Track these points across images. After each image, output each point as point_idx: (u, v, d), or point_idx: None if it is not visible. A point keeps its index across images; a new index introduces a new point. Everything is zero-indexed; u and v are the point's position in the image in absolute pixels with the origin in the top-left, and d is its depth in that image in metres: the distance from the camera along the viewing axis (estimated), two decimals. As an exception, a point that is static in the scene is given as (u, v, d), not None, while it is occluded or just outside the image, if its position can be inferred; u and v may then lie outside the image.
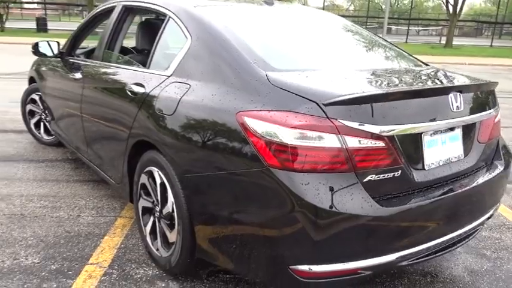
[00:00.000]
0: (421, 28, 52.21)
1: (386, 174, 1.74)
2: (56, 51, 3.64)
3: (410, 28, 48.62)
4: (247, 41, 2.14)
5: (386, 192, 1.76)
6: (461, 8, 24.88)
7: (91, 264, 2.44)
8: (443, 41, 26.76)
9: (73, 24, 33.58)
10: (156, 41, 2.55)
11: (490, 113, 2.20)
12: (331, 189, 1.63)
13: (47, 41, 3.66)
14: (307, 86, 1.78)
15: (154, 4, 2.68)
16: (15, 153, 4.28)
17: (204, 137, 1.93)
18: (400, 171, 1.77)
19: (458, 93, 1.95)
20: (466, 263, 2.64)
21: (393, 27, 51.63)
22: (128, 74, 2.63)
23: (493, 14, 41.87)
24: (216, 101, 1.93)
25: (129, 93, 2.47)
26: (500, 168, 2.26)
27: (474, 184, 2.05)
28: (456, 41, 29.80)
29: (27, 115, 4.62)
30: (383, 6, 53.07)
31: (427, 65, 2.69)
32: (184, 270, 2.27)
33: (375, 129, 1.68)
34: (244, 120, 1.75)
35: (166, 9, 2.54)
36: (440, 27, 44.43)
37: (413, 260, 1.89)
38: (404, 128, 1.77)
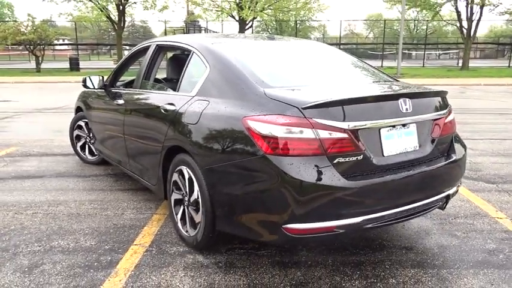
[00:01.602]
0: (441, 52, 52.70)
1: (351, 158, 2.39)
2: (100, 84, 4.46)
3: (431, 52, 49.08)
4: (250, 67, 2.86)
5: (351, 171, 2.40)
6: (475, 32, 25.36)
7: (135, 244, 3.13)
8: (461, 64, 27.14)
9: (102, 62, 35.68)
10: (183, 70, 3.31)
11: (439, 114, 2.83)
12: (308, 167, 2.29)
13: (89, 76, 4.50)
14: (291, 97, 2.48)
15: (181, 43, 3.47)
16: (66, 170, 5.08)
17: (219, 138, 2.63)
18: (362, 155, 2.42)
19: (407, 99, 2.60)
20: (438, 240, 3.20)
21: (413, 53, 52.36)
22: (161, 97, 3.39)
23: (513, 36, 42.00)
24: (227, 111, 2.64)
25: (162, 111, 3.21)
26: (452, 159, 2.86)
27: (427, 169, 2.67)
28: (475, 63, 30.22)
29: (75, 139, 5.45)
30: (403, 33, 54.09)
31: (396, 80, 3.35)
32: (207, 245, 2.93)
33: (341, 124, 2.35)
34: (247, 122, 2.45)
35: (190, 46, 3.31)
36: (458, 51, 44.74)
37: (376, 224, 2.50)
38: (363, 124, 2.42)
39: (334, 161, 2.35)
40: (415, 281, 2.64)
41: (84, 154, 5.39)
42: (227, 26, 31.30)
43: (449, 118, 2.95)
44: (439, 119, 2.84)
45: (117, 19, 24.91)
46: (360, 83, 3.15)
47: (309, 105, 2.34)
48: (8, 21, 33.92)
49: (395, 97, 2.60)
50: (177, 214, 3.17)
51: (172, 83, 3.65)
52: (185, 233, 3.06)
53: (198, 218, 2.87)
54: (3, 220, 3.59)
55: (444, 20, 31.91)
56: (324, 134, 2.33)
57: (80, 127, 5.36)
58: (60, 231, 3.37)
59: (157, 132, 3.29)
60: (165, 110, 3.19)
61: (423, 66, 30.65)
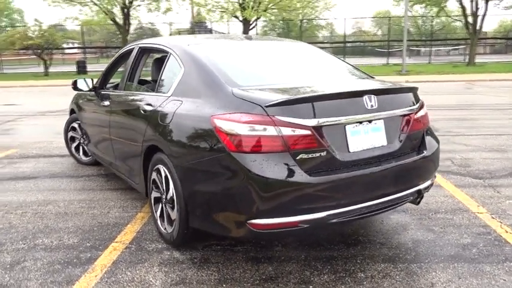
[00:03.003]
0: (450, 48, 52.17)
1: (314, 154, 2.44)
2: (90, 86, 4.56)
3: (440, 49, 48.54)
4: (222, 67, 2.92)
5: (315, 167, 2.45)
6: (481, 27, 25.10)
7: (116, 242, 3.21)
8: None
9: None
10: (160, 72, 3.39)
11: (408, 110, 2.86)
12: (271, 164, 2.35)
13: (83, 79, 4.60)
14: (256, 95, 2.54)
15: (160, 45, 3.55)
16: (60, 171, 5.20)
17: (190, 137, 2.70)
18: (325, 152, 2.47)
19: (372, 95, 2.64)
20: (414, 235, 3.24)
21: (422, 49, 51.89)
22: (141, 98, 3.47)
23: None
24: (197, 110, 2.71)
25: (141, 111, 3.29)
26: (423, 154, 2.89)
27: (395, 164, 2.71)
28: (484, 59, 29.86)
29: (69, 141, 5.56)
30: (411, 30, 53.51)
31: (371, 77, 3.39)
32: (183, 242, 2.99)
33: (303, 121, 2.40)
34: (214, 121, 2.51)
35: (168, 47, 3.39)
36: (465, 46, 44.25)
37: (342, 219, 2.54)
38: (326, 120, 2.47)
39: (297, 158, 2.40)
40: (384, 275, 2.68)
41: (79, 155, 5.50)
42: (233, 27, 31.40)
43: (420, 114, 2.98)
44: (409, 114, 2.88)
45: (122, 22, 25.15)
46: (331, 81, 3.18)
47: (271, 103, 2.40)
48: (18, 26, 34.39)
49: (360, 94, 2.64)
50: (156, 212, 3.24)
51: (153, 84, 3.73)
52: (163, 230, 3.14)
53: (174, 215, 2.94)
54: (-7, 220, 3.71)
55: (449, 16, 31.59)
56: (286, 131, 2.38)
57: (73, 129, 5.47)
58: (45, 230, 3.46)
59: (137, 132, 3.37)
60: (144, 110, 3.27)
61: (429, 62, 30.42)
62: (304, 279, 2.65)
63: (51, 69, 26.26)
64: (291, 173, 2.36)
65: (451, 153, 5.68)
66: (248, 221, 2.42)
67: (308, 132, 2.41)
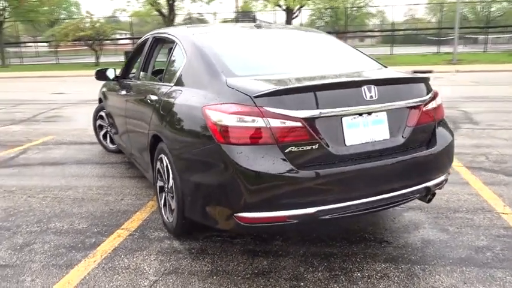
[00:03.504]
0: (510, 35, 48.90)
1: (305, 147, 2.33)
2: (112, 76, 4.65)
3: (499, 36, 45.57)
4: (222, 57, 2.87)
5: (305, 160, 2.35)
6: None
7: (122, 229, 3.27)
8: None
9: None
10: (167, 61, 3.38)
11: (416, 102, 2.67)
12: (258, 156, 2.28)
13: (106, 68, 4.69)
14: (248, 85, 2.46)
15: (169, 34, 3.54)
16: (87, 158, 5.38)
17: (185, 126, 2.68)
18: (317, 145, 2.36)
19: (372, 86, 2.48)
20: (425, 234, 3.05)
21: (479, 37, 48.91)
22: (149, 87, 3.49)
23: None
24: (193, 100, 2.67)
25: (148, 101, 3.31)
26: (432, 148, 2.70)
27: (398, 160, 2.55)
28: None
29: (97, 129, 5.74)
30: (469, 16, 50.62)
31: (384, 67, 3.20)
32: (182, 231, 2.99)
33: (294, 113, 2.30)
34: (205, 111, 2.47)
35: (175, 37, 3.37)
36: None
37: (335, 215, 2.43)
38: (319, 112, 2.35)
39: (286, 151, 2.31)
40: (381, 276, 2.55)
41: (106, 143, 5.66)
42: (278, 16, 31.04)
43: (431, 105, 2.78)
44: (417, 106, 2.69)
45: (167, 13, 25.61)
46: (335, 71, 3.00)
47: (260, 93, 2.32)
48: (74, 19, 35.89)
49: (358, 84, 2.49)
50: (160, 200, 3.26)
51: (162, 73, 3.74)
52: (166, 219, 3.15)
53: (173, 204, 2.95)
54: (16, 202, 3.89)
55: (509, 0, 29.51)
56: (275, 123, 2.30)
57: (101, 117, 5.62)
58: (60, 214, 3.59)
59: (145, 122, 3.39)
60: (150, 100, 3.29)
61: (484, 51, 28.71)
62: (296, 276, 2.57)
63: (102, 60, 27.25)
64: (278, 166, 2.28)
65: (488, 148, 5.32)
66: (235, 214, 2.37)
67: (298, 124, 2.32)
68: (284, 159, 2.30)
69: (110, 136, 5.55)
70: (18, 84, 16.89)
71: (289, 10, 24.02)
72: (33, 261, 2.82)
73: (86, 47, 27.93)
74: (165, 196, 3.17)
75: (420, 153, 2.65)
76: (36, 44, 42.02)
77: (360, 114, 2.49)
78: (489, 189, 3.90)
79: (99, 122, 5.69)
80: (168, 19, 25.86)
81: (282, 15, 26.90)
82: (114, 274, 2.63)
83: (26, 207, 3.78)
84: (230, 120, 2.32)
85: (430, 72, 16.33)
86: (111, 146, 5.60)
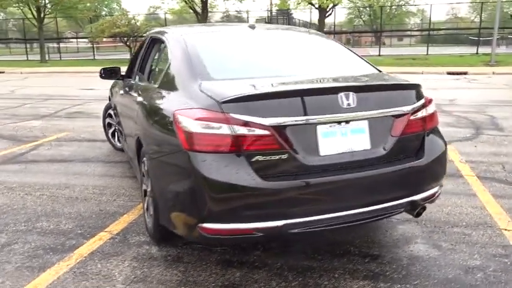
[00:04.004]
0: None
1: (273, 156, 2.21)
2: (117, 75, 4.64)
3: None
4: (204, 59, 2.77)
5: (273, 170, 2.22)
6: None
7: (105, 231, 3.24)
8: None
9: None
10: (156, 61, 3.32)
11: (403, 110, 2.48)
12: (220, 165, 2.17)
13: (112, 67, 4.68)
14: (218, 90, 2.35)
15: (160, 34, 3.48)
16: (94, 156, 5.42)
17: (159, 130, 2.61)
18: (287, 154, 2.22)
19: (350, 93, 2.32)
20: (415, 250, 2.86)
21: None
22: (139, 88, 3.44)
23: None
24: (168, 103, 2.60)
25: (135, 102, 3.26)
26: (420, 160, 2.51)
27: (379, 172, 2.37)
28: None
29: (106, 127, 5.78)
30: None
31: (379, 71, 3.01)
32: (161, 237, 2.92)
33: (261, 120, 2.18)
34: (175, 116, 2.38)
35: (164, 37, 3.30)
36: None
37: (305, 229, 2.28)
38: (289, 120, 2.21)
39: (252, 160, 2.19)
40: (356, 295, 2.39)
41: (114, 141, 5.69)
42: (314, 14, 30.52)
43: (420, 114, 2.58)
44: (403, 115, 2.50)
45: (201, 10, 25.79)
46: (319, 76, 2.82)
47: (227, 99, 2.21)
48: (114, 15, 36.72)
49: (334, 91, 2.33)
50: (144, 204, 3.21)
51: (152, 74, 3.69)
52: (148, 223, 3.10)
53: (151, 209, 2.88)
54: (12, 200, 3.95)
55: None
56: (241, 131, 2.18)
57: (110, 115, 5.66)
58: (50, 214, 3.61)
59: (133, 122, 3.35)
60: (136, 101, 3.24)
61: (528, 52, 27.26)
62: (266, 290, 2.45)
63: (136, 56, 27.73)
64: (241, 176, 2.16)
65: (507, 156, 4.99)
66: (199, 225, 2.27)
67: (267, 132, 2.19)
68: (249, 169, 2.18)
69: (118, 134, 5.57)
70: (53, 79, 17.39)
71: (322, 8, 23.65)
72: (9, 262, 2.82)
73: (121, 44, 28.50)
74: (147, 200, 3.12)
75: (405, 165, 2.47)
76: (77, 39, 43.40)
77: (339, 123, 2.34)
78: (497, 202, 3.63)
79: (108, 120, 5.72)
80: (202, 17, 26.00)
81: (316, 14, 26.52)
82: (83, 280, 2.59)
83: (20, 205, 3.83)
84: (195, 127, 2.23)
85: (465, 73, 15.66)
86: (118, 144, 5.62)
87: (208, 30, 3.51)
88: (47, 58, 28.09)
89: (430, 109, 2.67)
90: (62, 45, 37.00)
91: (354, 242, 2.98)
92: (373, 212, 2.41)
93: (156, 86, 3.01)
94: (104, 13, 60.07)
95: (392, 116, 2.47)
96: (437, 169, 2.64)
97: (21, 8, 27.85)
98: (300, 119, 2.24)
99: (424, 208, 2.68)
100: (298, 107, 2.27)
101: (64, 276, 2.64)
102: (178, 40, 3.06)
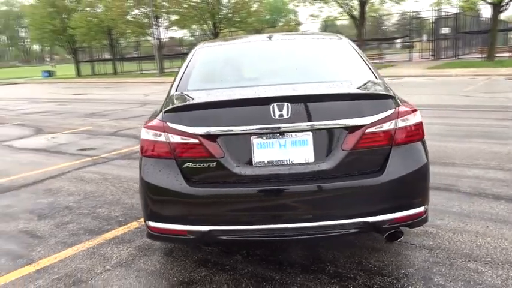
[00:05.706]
0: None
1: (202, 164, 2.32)
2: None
3: None
4: (197, 70, 3.00)
5: (202, 177, 2.34)
6: None
7: (137, 221, 3.71)
8: None
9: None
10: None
11: (352, 122, 2.28)
12: (156, 169, 2.40)
13: None
14: (174, 100, 2.58)
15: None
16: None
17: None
18: (215, 163, 2.31)
19: (285, 103, 2.26)
20: (404, 283, 2.55)
21: None
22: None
23: None
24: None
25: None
26: (375, 178, 2.27)
27: (320, 187, 2.25)
28: None
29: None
30: None
31: (377, 78, 2.72)
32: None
33: (191, 129, 2.32)
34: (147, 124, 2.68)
35: (193, 48, 3.59)
36: None
37: (232, 237, 2.32)
38: (219, 129, 2.29)
39: (183, 166, 2.35)
40: (288, 312, 2.31)
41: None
42: (485, 10, 26.80)
43: (386, 127, 2.32)
44: (357, 128, 2.30)
45: (358, 15, 25.42)
46: (294, 84, 2.66)
47: (166, 109, 2.42)
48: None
49: (265, 101, 2.30)
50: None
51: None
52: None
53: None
54: (99, 188, 4.77)
55: None
56: (175, 139, 2.37)
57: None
58: (113, 202, 4.26)
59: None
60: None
61: None
62: (212, 292, 2.55)
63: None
64: (170, 180, 2.35)
65: None
66: (146, 222, 2.53)
67: (195, 141, 2.33)
68: (178, 175, 2.35)
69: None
70: (161, 87, 19.11)
71: (496, 4, 20.78)
72: (56, 236, 3.52)
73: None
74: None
75: (354, 182, 2.28)
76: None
77: (274, 134, 2.31)
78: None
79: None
80: (360, 22, 25.64)
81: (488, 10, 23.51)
82: (87, 258, 3.10)
83: (101, 193, 4.62)
84: (144, 134, 2.50)
85: None
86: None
87: (225, 43, 3.70)
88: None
89: (408, 121, 2.37)
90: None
91: (338, 260, 2.82)
92: (317, 228, 2.30)
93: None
94: (280, 24, 63.70)
95: (343, 128, 2.30)
96: (405, 189, 2.33)
97: (201, 24, 31.83)
98: (230, 129, 2.30)
99: (401, 233, 2.42)
100: (232, 117, 2.33)
101: (80, 253, 3.19)
102: (191, 52, 3.33)
